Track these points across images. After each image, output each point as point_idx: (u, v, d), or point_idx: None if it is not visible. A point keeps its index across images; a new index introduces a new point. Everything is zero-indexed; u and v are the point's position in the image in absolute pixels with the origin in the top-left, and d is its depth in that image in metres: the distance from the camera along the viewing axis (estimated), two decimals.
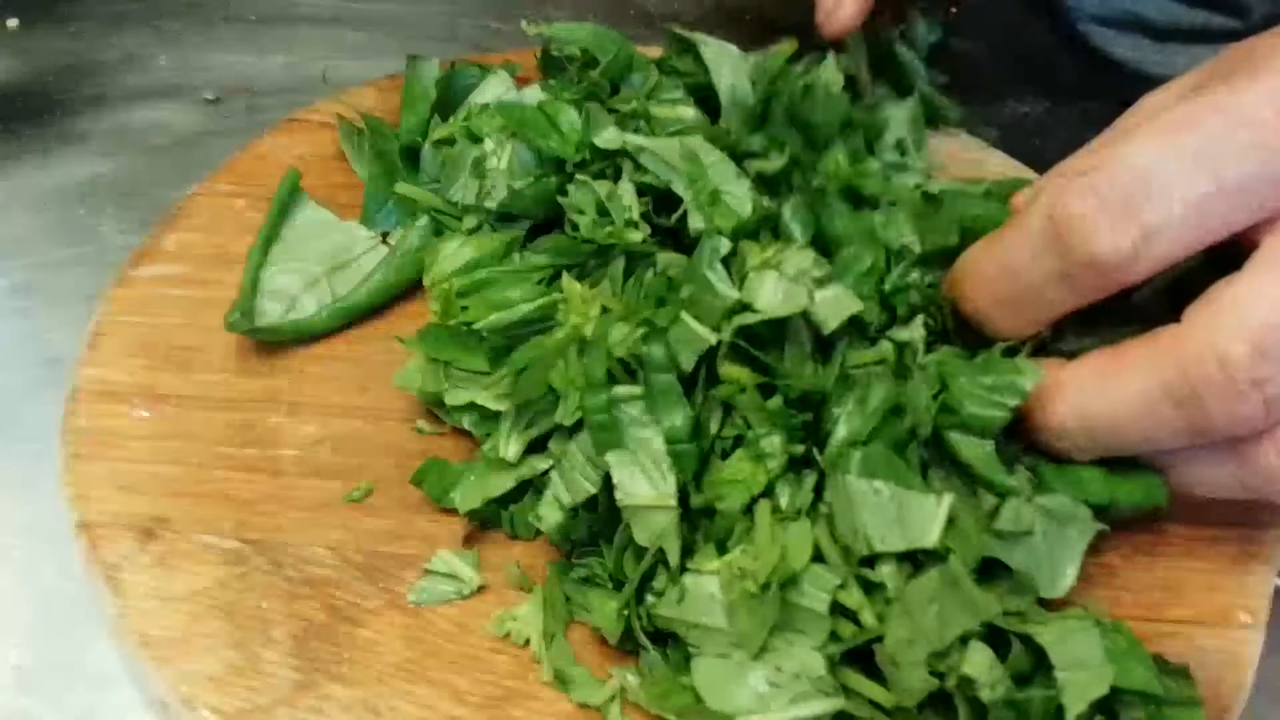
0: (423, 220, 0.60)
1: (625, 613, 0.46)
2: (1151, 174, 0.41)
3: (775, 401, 0.46)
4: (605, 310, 0.50)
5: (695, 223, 0.53)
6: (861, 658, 0.43)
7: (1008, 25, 0.86)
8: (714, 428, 0.47)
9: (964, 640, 0.41)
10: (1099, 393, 0.44)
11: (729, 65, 0.61)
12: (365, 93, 0.70)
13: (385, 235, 0.62)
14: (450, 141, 0.61)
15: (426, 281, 0.54)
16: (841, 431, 0.46)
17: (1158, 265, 0.42)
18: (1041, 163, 0.59)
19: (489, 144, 0.59)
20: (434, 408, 0.54)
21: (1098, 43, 0.81)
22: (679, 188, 0.54)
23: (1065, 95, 0.81)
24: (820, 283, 0.47)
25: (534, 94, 0.63)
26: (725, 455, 0.47)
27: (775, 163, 0.56)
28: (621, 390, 0.46)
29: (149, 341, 0.57)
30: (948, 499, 0.42)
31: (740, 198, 0.53)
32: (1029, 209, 0.45)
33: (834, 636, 0.43)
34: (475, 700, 0.46)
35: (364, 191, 0.63)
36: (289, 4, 0.86)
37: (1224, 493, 0.45)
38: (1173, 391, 0.41)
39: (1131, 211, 0.41)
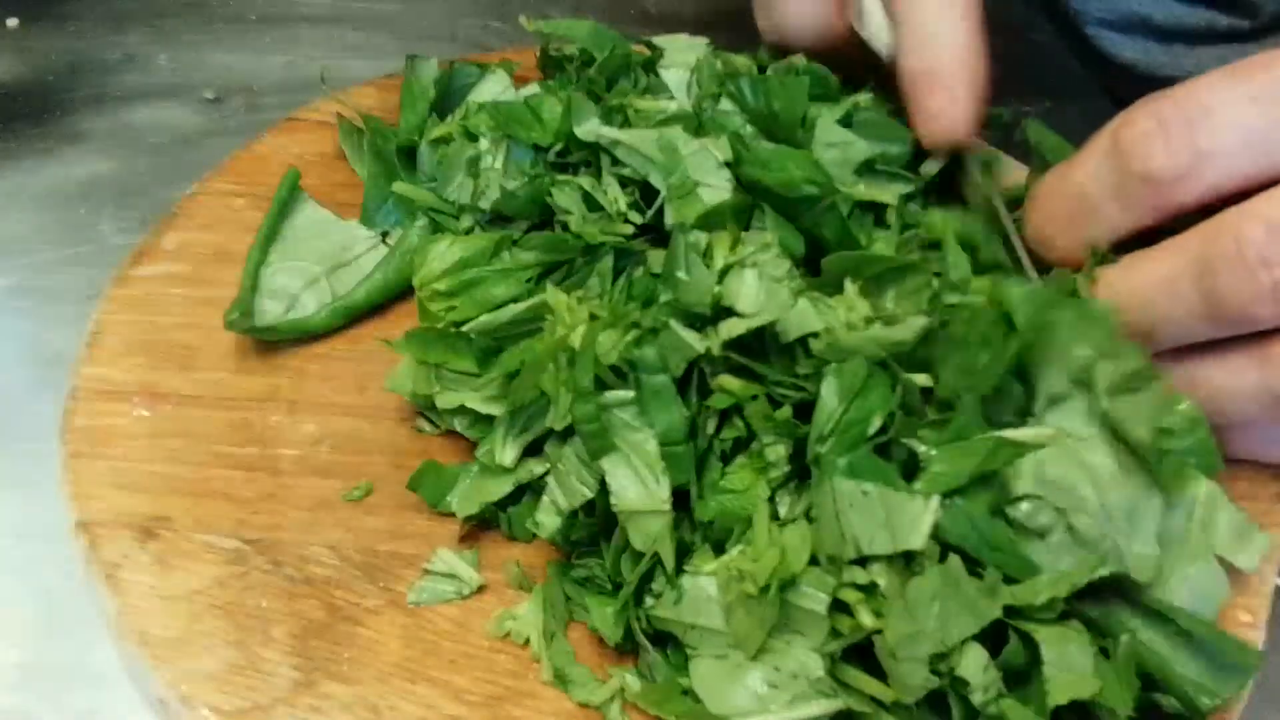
0: (422, 220, 0.60)
1: (624, 614, 0.46)
2: (1214, 104, 0.44)
3: (784, 412, 0.46)
4: (593, 317, 0.49)
5: (670, 216, 0.53)
6: (861, 654, 0.43)
7: (1008, 25, 0.86)
8: (710, 429, 0.47)
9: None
10: (1131, 273, 0.46)
11: (689, 60, 0.61)
12: (365, 92, 0.70)
13: (385, 234, 0.62)
14: (447, 140, 0.61)
15: (415, 282, 0.54)
16: (822, 413, 0.44)
17: (1208, 190, 0.44)
18: (1042, 163, 0.59)
19: (484, 144, 0.59)
20: (426, 410, 0.54)
21: (1105, 46, 0.81)
22: (656, 180, 0.54)
23: (1066, 95, 0.81)
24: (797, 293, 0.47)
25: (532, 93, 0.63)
26: (725, 457, 0.47)
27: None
28: (613, 395, 0.46)
29: (148, 341, 0.57)
30: (935, 501, 0.42)
31: (720, 189, 0.53)
32: (1097, 134, 0.47)
33: (834, 633, 0.43)
34: (475, 699, 0.46)
35: (363, 191, 0.63)
36: (289, 4, 0.86)
37: (1250, 408, 0.46)
38: (1192, 267, 0.44)
39: (1189, 133, 0.44)
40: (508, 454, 0.49)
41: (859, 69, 0.59)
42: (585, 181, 0.56)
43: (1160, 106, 0.45)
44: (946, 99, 0.52)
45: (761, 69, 0.61)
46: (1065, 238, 0.49)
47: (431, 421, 0.55)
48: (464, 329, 0.53)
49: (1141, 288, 0.46)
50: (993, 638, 0.41)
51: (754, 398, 0.46)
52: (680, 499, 0.46)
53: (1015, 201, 0.54)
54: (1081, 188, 0.47)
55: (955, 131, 0.53)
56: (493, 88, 0.65)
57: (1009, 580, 0.42)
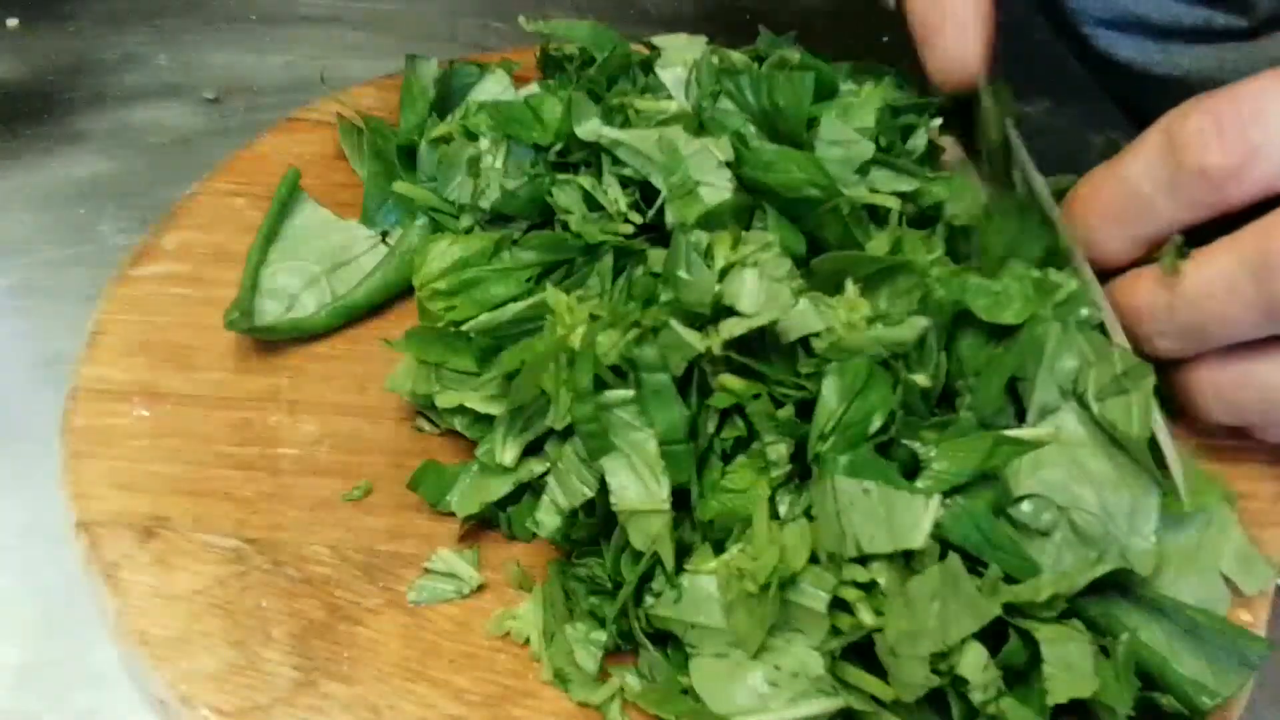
0: (422, 219, 0.60)
1: (623, 614, 0.46)
2: (1266, 102, 0.45)
3: (786, 411, 0.46)
4: (593, 318, 0.49)
5: (670, 216, 0.53)
6: (861, 653, 0.43)
7: (1008, 25, 0.86)
8: (710, 428, 0.47)
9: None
10: (1186, 273, 0.47)
11: (687, 59, 0.61)
12: (365, 92, 0.70)
13: (385, 234, 0.62)
14: (447, 140, 0.61)
15: (416, 282, 0.54)
16: (823, 411, 0.45)
17: (1262, 185, 0.45)
18: (1042, 163, 0.59)
19: (484, 143, 0.59)
20: (426, 410, 0.54)
21: (1102, 45, 0.81)
22: (657, 180, 0.54)
23: (1066, 95, 0.81)
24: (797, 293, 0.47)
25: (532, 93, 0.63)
26: (725, 457, 0.47)
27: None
28: (613, 394, 0.46)
29: (148, 340, 0.57)
30: (935, 499, 0.42)
31: (721, 189, 0.53)
32: (1147, 131, 0.48)
33: (834, 631, 0.43)
34: (475, 699, 0.46)
35: (364, 191, 0.63)
36: (289, 4, 0.86)
37: None
38: (1250, 265, 0.45)
39: (1244, 130, 0.45)
40: (508, 453, 0.49)
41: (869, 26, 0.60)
42: (585, 181, 0.56)
43: (1215, 104, 0.46)
44: (956, 35, 0.53)
45: (760, 60, 0.62)
46: (1114, 234, 0.50)
47: (431, 421, 0.55)
48: (464, 328, 0.53)
49: (1197, 287, 0.47)
50: (993, 636, 0.41)
51: (756, 396, 0.46)
52: (680, 498, 0.46)
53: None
54: (1133, 183, 0.48)
55: (966, 66, 0.53)
56: (493, 88, 0.65)
57: (1010, 579, 0.42)
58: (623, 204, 0.55)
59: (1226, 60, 0.76)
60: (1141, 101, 0.79)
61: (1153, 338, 0.49)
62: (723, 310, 0.47)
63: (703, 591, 0.45)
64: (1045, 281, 0.50)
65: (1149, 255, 0.50)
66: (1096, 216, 0.50)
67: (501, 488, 0.50)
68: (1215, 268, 0.46)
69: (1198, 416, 0.51)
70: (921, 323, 0.46)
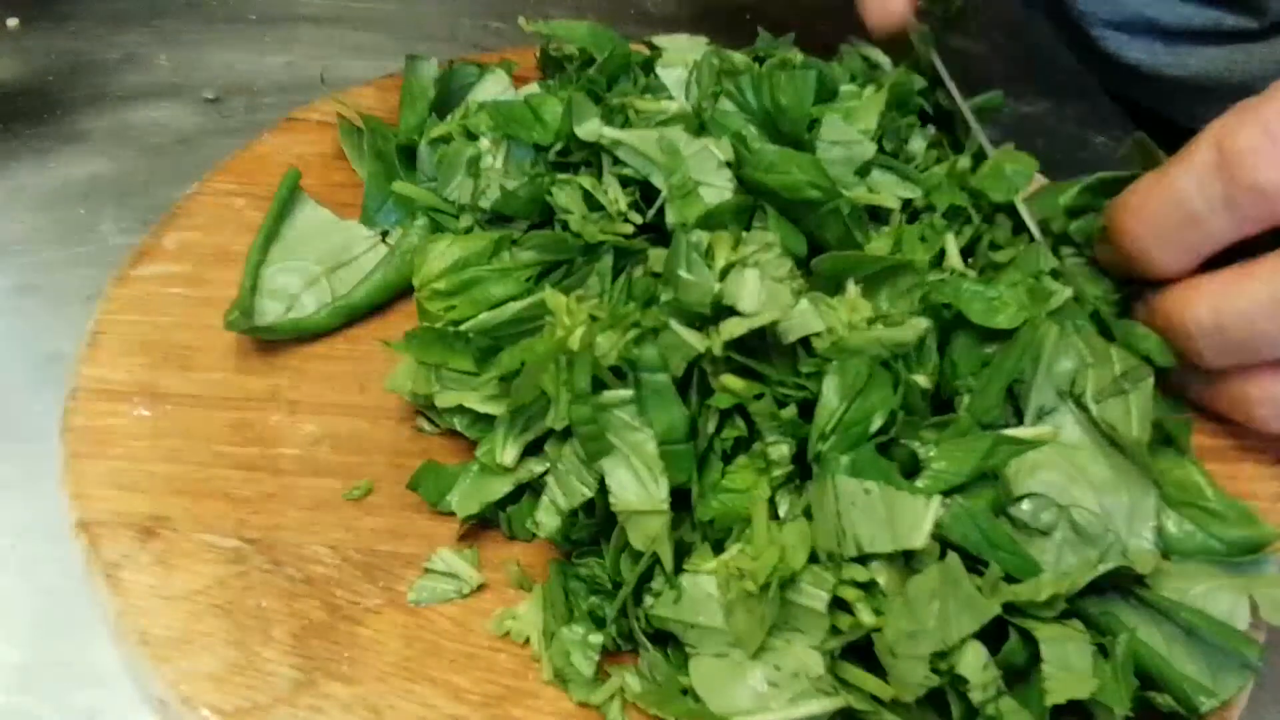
0: (421, 219, 0.60)
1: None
2: None
3: (789, 411, 0.46)
4: (593, 318, 0.49)
5: (671, 215, 0.53)
6: (861, 653, 0.43)
7: (1008, 25, 0.86)
8: (710, 429, 0.47)
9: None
10: (1235, 289, 0.48)
11: (688, 59, 0.61)
12: (365, 92, 0.70)
13: (385, 234, 0.62)
14: (447, 140, 0.61)
15: (415, 282, 0.54)
16: (824, 411, 0.45)
17: None
18: (1043, 163, 0.59)
19: (484, 143, 0.59)
20: (426, 410, 0.54)
21: (1110, 47, 0.81)
22: (657, 180, 0.54)
23: (1066, 95, 0.81)
24: (798, 293, 0.47)
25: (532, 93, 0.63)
26: (726, 457, 0.47)
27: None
28: (612, 395, 0.46)
29: (149, 340, 0.57)
30: (936, 499, 0.42)
31: (721, 189, 0.53)
32: (1195, 142, 0.48)
33: (833, 630, 0.43)
34: (475, 699, 0.46)
35: (364, 191, 0.63)
36: (289, 4, 0.86)
37: None
38: None
39: None
40: (508, 454, 0.49)
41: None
42: (586, 181, 0.56)
43: (1263, 116, 0.45)
44: None
45: (760, 60, 0.62)
46: (1166, 251, 0.50)
47: (431, 421, 0.55)
48: (463, 328, 0.53)
49: (1247, 306, 0.47)
50: (993, 636, 0.41)
51: (758, 397, 0.46)
52: (680, 498, 0.46)
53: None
54: (1184, 198, 0.48)
55: (896, 15, 0.63)
56: (493, 88, 0.65)
57: (1010, 579, 0.42)
58: (623, 204, 0.55)
59: (1236, 62, 0.76)
60: (1148, 102, 0.79)
61: (1204, 353, 0.49)
62: (723, 310, 0.47)
63: (702, 591, 0.45)
64: (1039, 288, 0.50)
65: (1200, 268, 0.50)
66: (1147, 229, 0.50)
67: (501, 488, 0.50)
68: (1264, 289, 0.47)
69: (1251, 426, 0.51)
70: (922, 323, 0.46)
